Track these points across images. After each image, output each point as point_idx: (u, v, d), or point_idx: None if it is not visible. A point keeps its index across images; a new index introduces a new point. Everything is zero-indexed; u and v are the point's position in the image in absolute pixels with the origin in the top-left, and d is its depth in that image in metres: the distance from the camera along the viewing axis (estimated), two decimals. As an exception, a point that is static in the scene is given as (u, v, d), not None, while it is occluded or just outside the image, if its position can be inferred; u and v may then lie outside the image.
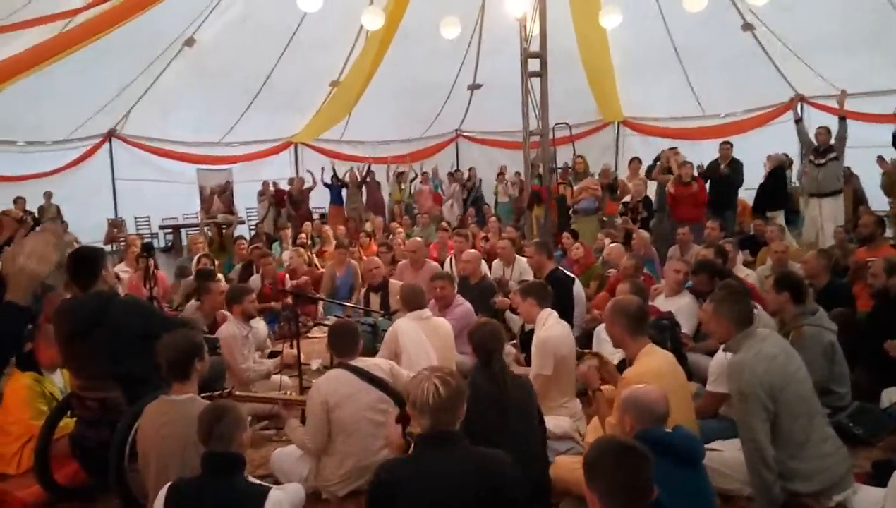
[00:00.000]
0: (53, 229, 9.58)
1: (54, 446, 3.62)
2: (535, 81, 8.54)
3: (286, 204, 13.64)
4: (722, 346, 3.53)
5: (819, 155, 8.85)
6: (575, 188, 9.16)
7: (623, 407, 2.77)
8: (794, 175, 13.43)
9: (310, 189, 13.96)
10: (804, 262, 5.55)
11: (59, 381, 4.21)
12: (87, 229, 13.14)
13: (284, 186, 14.35)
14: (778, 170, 10.62)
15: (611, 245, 7.44)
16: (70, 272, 3.51)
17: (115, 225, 13.70)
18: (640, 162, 11.02)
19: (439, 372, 2.42)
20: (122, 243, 12.34)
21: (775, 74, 13.01)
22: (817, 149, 8.94)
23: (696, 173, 9.68)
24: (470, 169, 16.93)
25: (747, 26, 11.91)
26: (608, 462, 1.98)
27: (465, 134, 18.23)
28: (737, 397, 3.15)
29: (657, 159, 10.46)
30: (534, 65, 8.54)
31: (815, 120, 12.96)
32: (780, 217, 9.71)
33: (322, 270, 8.55)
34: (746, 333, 3.27)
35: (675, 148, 10.49)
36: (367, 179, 14.76)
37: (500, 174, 15.36)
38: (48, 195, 12.41)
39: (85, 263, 3.49)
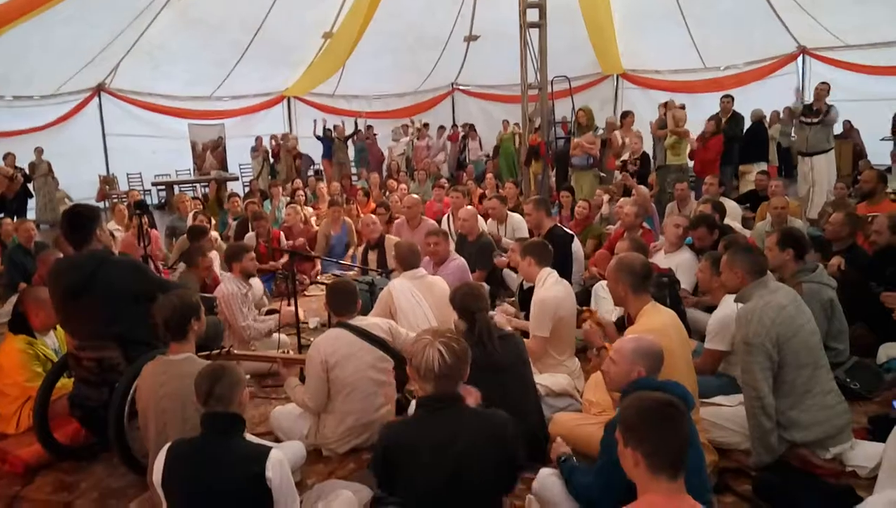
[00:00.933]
0: None
1: (53, 406, 3.62)
2: (534, 32, 8.35)
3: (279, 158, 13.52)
4: (732, 297, 3.53)
5: (811, 113, 8.75)
6: (572, 142, 9.03)
7: (635, 357, 2.70)
8: (792, 130, 13.33)
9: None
10: (830, 224, 5.39)
11: (52, 343, 4.19)
12: (79, 186, 13.03)
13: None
14: (756, 125, 10.52)
15: (621, 201, 7.38)
16: (64, 230, 3.45)
17: (108, 181, 13.56)
18: (633, 116, 10.85)
19: (443, 338, 2.39)
20: (115, 200, 12.25)
21: (778, 26, 12.77)
22: (809, 107, 8.84)
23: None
24: (464, 125, 16.72)
25: (751, -24, 11.64)
26: (651, 421, 1.97)
27: (462, 87, 17.96)
28: (742, 346, 3.17)
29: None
30: (532, 15, 8.33)
31: (817, 72, 12.83)
32: (754, 171, 9.60)
33: (316, 228, 8.50)
34: (759, 283, 3.29)
35: (671, 101, 10.33)
36: (355, 136, 14.60)
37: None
38: (39, 151, 12.24)
39: (79, 222, 3.42)
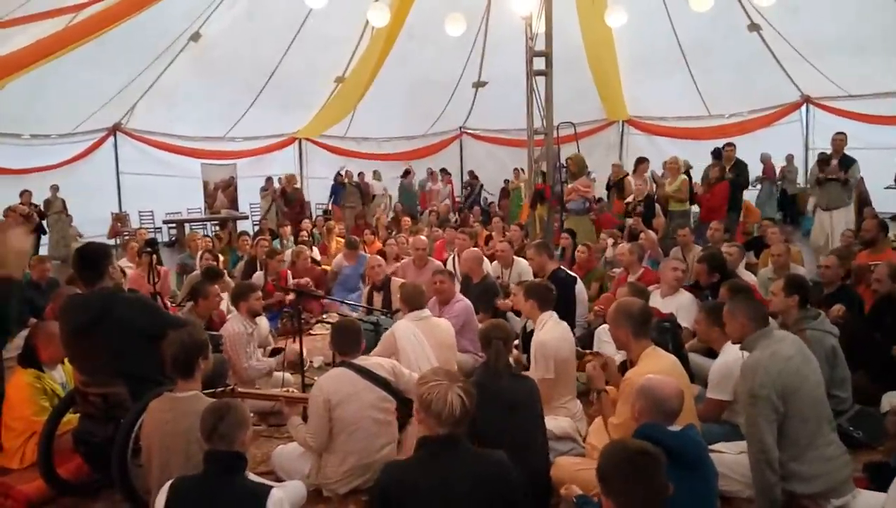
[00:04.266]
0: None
1: (58, 441, 3.64)
2: (540, 80, 8.53)
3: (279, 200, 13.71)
4: (731, 345, 3.54)
5: (825, 167, 8.72)
6: (567, 187, 9.12)
7: (637, 393, 2.77)
8: (799, 176, 13.44)
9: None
10: (824, 267, 5.54)
11: (59, 377, 4.23)
12: (92, 223, 13.20)
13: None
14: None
15: (621, 246, 7.44)
16: (76, 267, 3.53)
17: (119, 219, 13.75)
18: (648, 163, 11.00)
19: (458, 382, 2.41)
20: (126, 237, 12.41)
21: (782, 75, 12.99)
22: (827, 161, 8.80)
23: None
24: (470, 172, 16.97)
25: (753, 26, 11.89)
26: (622, 472, 1.98)
27: (469, 131, 18.23)
28: (747, 398, 3.12)
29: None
30: (539, 63, 8.52)
31: (821, 122, 12.99)
32: None
33: (323, 268, 8.61)
34: (763, 332, 3.26)
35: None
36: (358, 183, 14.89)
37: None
38: (54, 188, 12.45)
39: (91, 259, 3.50)
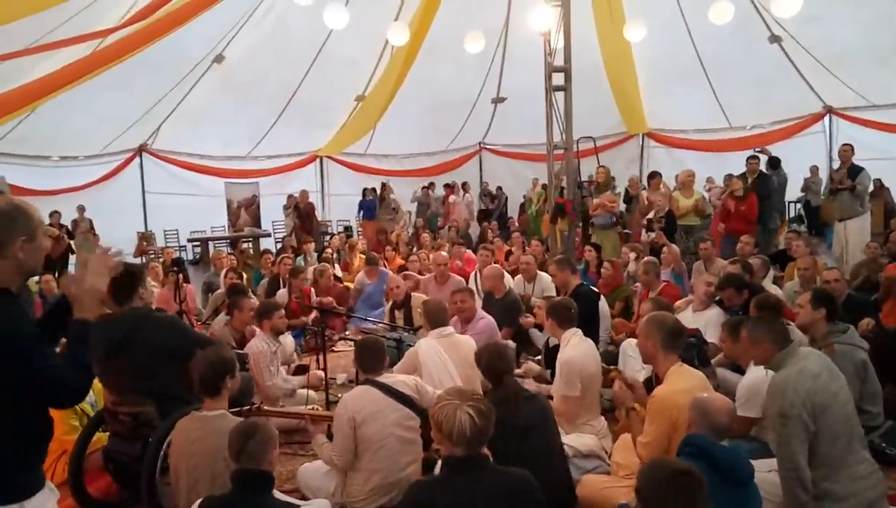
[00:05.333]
0: (100, 248, 9.94)
1: (88, 460, 3.70)
2: (559, 95, 8.54)
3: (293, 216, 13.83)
4: (759, 366, 3.50)
5: (837, 180, 8.74)
6: (593, 202, 9.11)
7: (689, 407, 2.80)
8: (821, 188, 13.26)
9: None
10: (831, 281, 5.49)
11: (89, 397, 4.29)
12: (118, 242, 13.27)
13: (311, 199, 14.54)
14: None
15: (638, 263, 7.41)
16: (108, 289, 3.59)
17: (145, 238, 13.97)
18: (661, 176, 10.94)
19: (470, 401, 2.42)
20: (152, 256, 12.60)
21: (803, 86, 12.89)
22: (835, 174, 8.84)
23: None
24: (498, 187, 17.01)
25: (774, 38, 11.82)
26: (662, 491, 1.96)
27: (489, 147, 18.29)
28: (778, 418, 3.06)
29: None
30: (558, 79, 8.55)
31: (845, 132, 12.84)
32: None
33: (346, 284, 8.68)
34: (787, 351, 3.21)
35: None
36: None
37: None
38: (81, 209, 12.70)
39: (122, 280, 3.56)
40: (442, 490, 2.39)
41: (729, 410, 2.76)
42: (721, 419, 2.71)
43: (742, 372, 4.02)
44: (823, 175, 13.49)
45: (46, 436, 2.07)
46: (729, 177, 9.31)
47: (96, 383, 4.22)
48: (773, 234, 9.84)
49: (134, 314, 3.50)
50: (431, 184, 16.55)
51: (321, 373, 5.15)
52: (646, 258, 7.05)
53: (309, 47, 12.21)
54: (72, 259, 12.35)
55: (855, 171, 8.61)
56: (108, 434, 3.72)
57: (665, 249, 7.76)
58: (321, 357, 5.29)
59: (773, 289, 6.14)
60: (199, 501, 2.54)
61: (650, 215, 9.86)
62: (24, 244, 2.04)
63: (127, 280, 3.57)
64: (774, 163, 10.62)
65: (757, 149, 10.44)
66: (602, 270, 7.30)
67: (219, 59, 11.71)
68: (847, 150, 8.76)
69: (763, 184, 9.54)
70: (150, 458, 3.28)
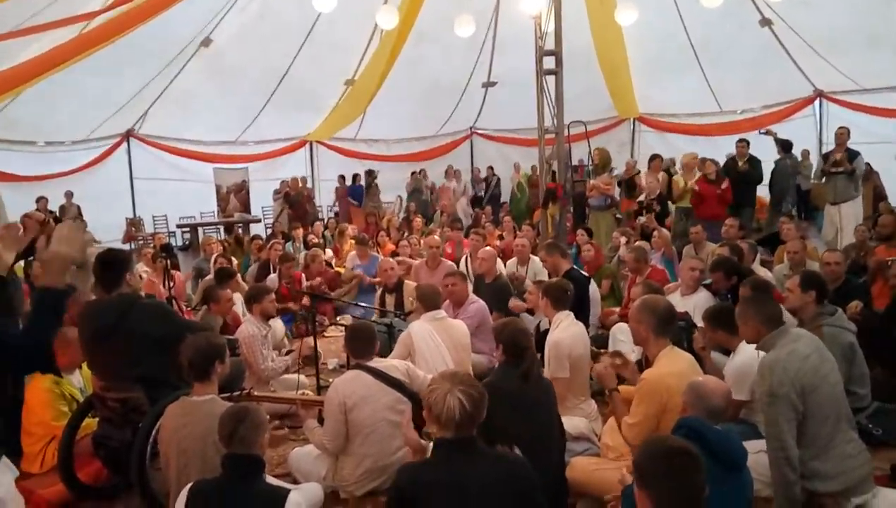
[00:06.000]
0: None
1: (77, 445, 3.69)
2: (550, 79, 8.51)
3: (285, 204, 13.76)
4: (746, 344, 3.52)
5: (831, 164, 8.74)
6: (588, 184, 9.11)
7: (685, 390, 2.81)
8: (811, 172, 13.32)
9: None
10: (832, 263, 5.47)
11: (77, 382, 4.28)
12: (106, 228, 13.29)
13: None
14: None
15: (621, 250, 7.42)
16: (96, 274, 3.57)
17: (134, 224, 13.87)
18: (661, 159, 10.97)
19: (461, 384, 2.41)
20: (141, 242, 12.52)
21: (794, 70, 12.87)
22: (826, 157, 8.85)
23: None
24: (489, 167, 16.96)
25: (765, 21, 11.79)
26: (660, 467, 1.97)
27: (480, 131, 18.22)
28: (766, 398, 3.10)
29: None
30: (549, 62, 8.50)
31: (836, 116, 12.85)
32: None
33: (336, 270, 8.66)
34: (779, 331, 3.24)
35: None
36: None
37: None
38: (69, 195, 12.58)
39: (111, 266, 3.55)
40: (432, 471, 2.39)
41: (724, 393, 2.78)
42: (717, 402, 2.72)
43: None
44: (814, 159, 13.55)
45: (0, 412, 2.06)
46: (702, 161, 9.27)
47: (85, 368, 4.23)
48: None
49: (121, 300, 3.47)
50: (422, 171, 16.47)
51: (311, 342, 5.12)
52: (636, 243, 7.07)
53: (298, 30, 12.07)
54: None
55: (852, 155, 8.63)
56: (97, 419, 3.70)
57: (655, 233, 7.79)
58: (312, 341, 5.28)
59: (762, 272, 6.17)
60: (189, 485, 2.54)
61: (641, 198, 9.89)
62: None
63: (115, 266, 3.55)
64: (787, 145, 10.62)
65: (762, 131, 10.45)
66: (583, 252, 7.30)
67: (206, 42, 11.56)
68: (843, 133, 8.75)
69: (753, 168, 9.57)
70: (140, 443, 3.27)
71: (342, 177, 15.40)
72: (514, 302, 6.09)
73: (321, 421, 3.77)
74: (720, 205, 8.81)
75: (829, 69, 12.21)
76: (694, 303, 5.16)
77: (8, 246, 2.06)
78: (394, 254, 8.85)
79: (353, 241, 9.40)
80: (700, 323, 4.90)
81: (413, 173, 16.25)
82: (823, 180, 9.03)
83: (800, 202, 13.40)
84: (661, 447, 2.04)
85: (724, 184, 8.82)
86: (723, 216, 8.33)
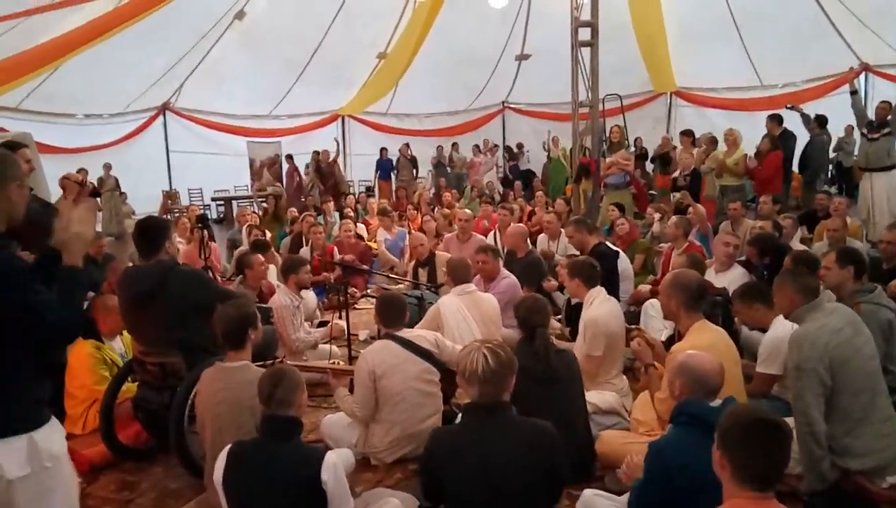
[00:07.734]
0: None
1: (118, 408, 3.80)
2: (586, 51, 8.36)
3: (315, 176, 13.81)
4: (781, 319, 3.48)
5: (872, 129, 8.43)
6: (605, 161, 8.89)
7: (676, 371, 2.70)
8: (854, 148, 12.90)
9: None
10: (888, 242, 5.24)
11: (118, 348, 4.40)
12: (143, 200, 13.57)
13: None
14: None
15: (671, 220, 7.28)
16: (136, 241, 3.66)
17: (170, 196, 14.10)
18: (693, 134, 10.72)
19: (489, 344, 2.46)
20: (177, 214, 12.73)
21: (839, 42, 12.42)
22: (871, 124, 8.51)
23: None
24: (519, 144, 16.78)
25: (810, -10, 11.40)
26: (739, 433, 1.96)
27: (512, 105, 18.03)
28: (794, 371, 3.07)
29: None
30: (584, 34, 8.35)
31: (881, 90, 12.40)
32: None
33: (367, 243, 8.72)
34: (813, 305, 3.19)
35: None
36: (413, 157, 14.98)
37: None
38: (108, 167, 12.82)
39: (150, 233, 3.63)
40: (460, 436, 2.43)
41: (718, 368, 2.66)
42: (712, 380, 2.60)
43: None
44: (857, 135, 13.12)
45: (49, 374, 2.16)
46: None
47: (126, 335, 4.35)
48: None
49: (160, 266, 3.55)
50: (455, 144, 16.38)
51: (343, 324, 5.19)
52: (676, 216, 6.92)
53: (330, 3, 12.04)
54: (99, 216, 12.53)
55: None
56: (136, 383, 3.81)
57: (690, 209, 7.64)
58: (344, 314, 5.34)
59: (801, 249, 6.02)
60: (228, 446, 2.60)
61: (675, 174, 9.70)
62: (16, 188, 2.11)
63: (154, 232, 3.62)
64: (822, 121, 10.33)
65: (788, 106, 10.16)
66: (617, 227, 7.19)
67: (240, 15, 11.61)
68: (885, 107, 8.41)
69: (786, 143, 9.31)
70: (178, 407, 3.36)
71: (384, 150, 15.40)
72: (547, 283, 6.04)
73: (352, 389, 3.83)
74: (761, 182, 8.65)
75: (876, 41, 11.76)
76: (729, 280, 5.06)
77: (87, 222, 2.18)
78: (421, 229, 8.87)
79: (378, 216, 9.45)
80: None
81: (439, 147, 16.15)
82: (867, 145, 8.69)
83: (840, 179, 13.04)
84: (744, 415, 2.04)
85: (763, 162, 8.65)
86: (766, 191, 8.16)
